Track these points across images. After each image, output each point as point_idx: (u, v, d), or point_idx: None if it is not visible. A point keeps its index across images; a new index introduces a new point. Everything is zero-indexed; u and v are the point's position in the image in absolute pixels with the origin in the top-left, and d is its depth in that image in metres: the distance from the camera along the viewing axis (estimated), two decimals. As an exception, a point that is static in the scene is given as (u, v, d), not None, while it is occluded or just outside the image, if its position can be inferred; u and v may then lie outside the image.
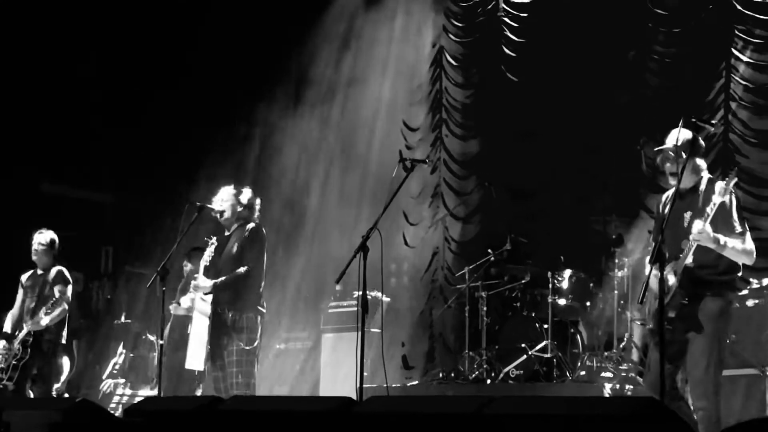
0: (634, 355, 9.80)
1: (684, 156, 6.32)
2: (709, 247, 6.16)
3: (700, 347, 6.22)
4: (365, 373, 9.65)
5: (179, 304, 9.59)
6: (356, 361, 6.65)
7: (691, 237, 6.14)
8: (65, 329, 9.69)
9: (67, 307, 9.54)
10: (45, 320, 9.35)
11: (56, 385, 10.67)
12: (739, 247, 6.21)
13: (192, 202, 8.05)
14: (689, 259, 6.19)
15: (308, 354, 12.09)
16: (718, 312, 6.28)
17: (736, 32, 10.47)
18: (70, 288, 9.63)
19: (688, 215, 6.31)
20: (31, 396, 9.38)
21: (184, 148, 13.32)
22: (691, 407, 6.33)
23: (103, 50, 13.59)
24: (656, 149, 6.63)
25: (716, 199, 6.11)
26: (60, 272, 9.63)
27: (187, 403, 5.60)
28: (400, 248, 13.04)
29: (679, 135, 6.42)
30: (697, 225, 6.10)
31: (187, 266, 10.19)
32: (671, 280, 6.25)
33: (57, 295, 9.43)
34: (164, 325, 9.46)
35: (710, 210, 6.11)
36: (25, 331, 9.35)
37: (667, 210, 6.31)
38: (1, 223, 12.58)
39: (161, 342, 7.82)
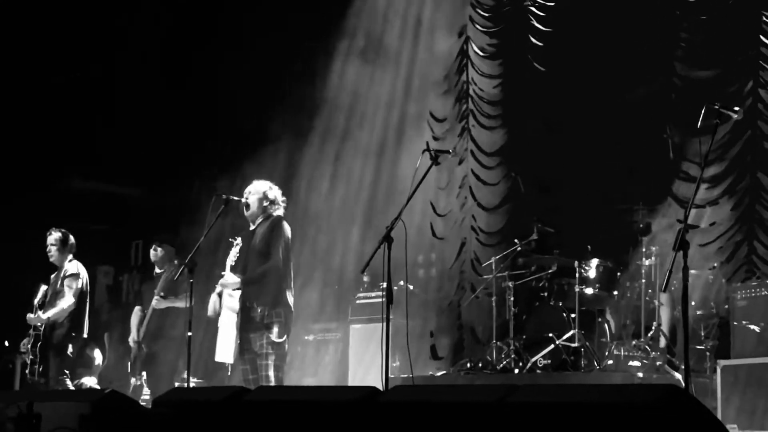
0: (663, 344, 9.77)
1: None
2: None
3: None
4: (394, 364, 9.71)
5: (163, 297, 9.59)
6: (382, 351, 6.68)
7: None
8: (84, 322, 9.77)
9: (73, 300, 9.61)
10: (47, 314, 9.47)
11: (85, 378, 10.80)
12: None
13: (218, 194, 8.10)
14: None
15: (336, 345, 12.14)
16: None
17: (764, 18, 10.39)
18: (79, 282, 9.71)
19: None
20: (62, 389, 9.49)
21: (216, 141, 13.35)
22: None
23: (134, 43, 13.64)
24: None
25: None
26: (71, 266, 9.74)
27: (215, 394, 5.64)
28: (428, 239, 13.04)
29: None
30: None
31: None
32: None
33: (65, 288, 9.54)
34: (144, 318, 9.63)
35: None
36: (32, 324, 9.49)
37: None
38: (33, 220, 12.67)
39: (189, 334, 7.87)
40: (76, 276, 9.70)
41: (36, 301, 9.61)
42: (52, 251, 9.77)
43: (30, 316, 9.47)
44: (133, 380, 9.99)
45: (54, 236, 9.80)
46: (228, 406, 5.12)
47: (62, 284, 9.67)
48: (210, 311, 8.02)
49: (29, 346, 9.51)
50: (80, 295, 9.75)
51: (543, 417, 3.96)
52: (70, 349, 9.74)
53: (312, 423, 4.74)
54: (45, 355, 9.53)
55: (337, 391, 5.52)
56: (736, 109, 6.19)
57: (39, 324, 9.50)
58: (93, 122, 13.54)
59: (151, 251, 10.01)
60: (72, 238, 9.86)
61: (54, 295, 9.66)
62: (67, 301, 9.56)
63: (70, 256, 9.82)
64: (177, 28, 13.53)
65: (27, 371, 9.53)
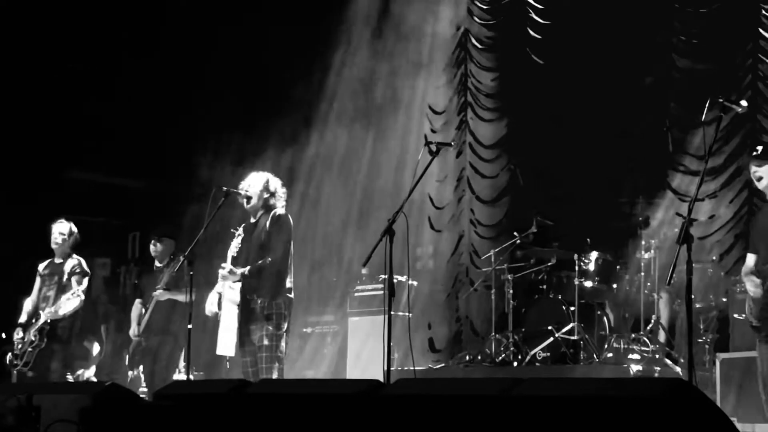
0: (662, 337, 9.78)
1: None
2: None
3: None
4: (393, 356, 9.70)
5: (167, 289, 9.55)
6: (383, 344, 6.67)
7: None
8: (81, 318, 9.76)
9: (83, 298, 9.61)
10: (62, 310, 9.44)
11: (83, 370, 10.77)
12: None
13: (219, 186, 8.07)
14: None
15: (334, 337, 12.14)
16: None
17: (763, 11, 10.38)
18: (86, 280, 9.70)
19: None
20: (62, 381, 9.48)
21: (214, 133, 13.32)
22: None
23: (131, 35, 13.59)
24: None
25: None
26: (78, 263, 9.71)
27: (216, 387, 5.62)
28: (426, 232, 13.03)
29: None
30: None
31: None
32: None
33: (75, 286, 9.51)
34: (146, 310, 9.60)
35: None
36: (42, 319, 9.44)
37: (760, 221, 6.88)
38: (30, 210, 12.65)
39: (189, 327, 7.85)
40: (85, 274, 9.69)
41: (34, 297, 9.62)
42: (59, 240, 9.73)
43: (49, 310, 9.43)
44: (130, 373, 9.96)
45: (65, 227, 9.77)
46: (230, 398, 5.10)
47: (69, 279, 9.63)
48: (207, 310, 7.99)
49: (32, 337, 9.47)
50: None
51: (547, 410, 3.95)
52: (73, 342, 9.77)
53: (315, 416, 4.72)
54: (50, 349, 9.51)
55: (339, 384, 5.52)
56: (742, 102, 6.19)
57: (49, 318, 9.48)
58: (92, 113, 13.47)
59: (151, 246, 9.97)
60: (77, 232, 9.85)
61: (61, 289, 9.61)
62: (78, 299, 9.52)
63: (74, 252, 9.80)
64: (180, 19, 13.47)
65: (21, 363, 9.48)
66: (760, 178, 6.81)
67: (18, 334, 9.56)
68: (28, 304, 9.79)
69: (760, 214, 7.18)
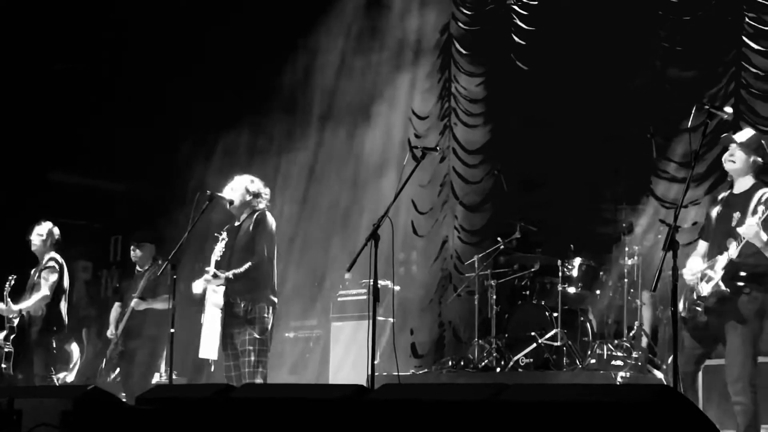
0: (644, 343, 9.79)
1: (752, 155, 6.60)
2: (755, 245, 6.27)
3: (737, 342, 6.39)
4: (375, 362, 9.68)
5: (141, 299, 9.46)
6: (366, 349, 6.66)
7: (740, 231, 6.26)
8: (64, 318, 9.68)
9: (48, 293, 9.49)
10: (19, 305, 9.37)
11: (65, 374, 10.70)
12: None
13: (202, 190, 8.06)
14: (735, 254, 6.29)
15: (317, 342, 12.11)
16: (757, 309, 6.42)
17: (747, 20, 10.42)
18: (55, 275, 9.59)
19: (736, 215, 6.38)
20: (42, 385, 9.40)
21: (196, 137, 13.28)
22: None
23: (115, 38, 13.54)
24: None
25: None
26: (50, 259, 9.62)
27: (199, 391, 5.59)
28: (409, 237, 13.02)
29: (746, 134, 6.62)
30: (749, 221, 6.23)
31: None
32: (717, 274, 6.41)
33: (41, 281, 9.45)
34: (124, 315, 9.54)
35: (762, 209, 6.19)
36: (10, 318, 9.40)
37: (717, 209, 6.67)
38: (11, 212, 12.58)
39: (172, 330, 7.81)
40: (53, 269, 9.58)
41: (5, 291, 9.49)
42: (37, 242, 9.67)
43: (1, 306, 9.36)
44: (108, 377, 9.91)
45: (42, 228, 9.71)
46: (214, 403, 5.07)
47: (39, 277, 9.57)
48: (194, 290, 7.93)
49: (2, 338, 9.41)
50: (58, 290, 9.62)
51: (533, 416, 3.94)
52: (53, 344, 9.68)
53: (299, 421, 4.70)
54: (22, 351, 9.43)
55: (324, 389, 5.49)
56: (727, 109, 6.22)
57: (12, 316, 9.40)
58: (73, 115, 13.42)
59: (131, 251, 9.90)
60: (58, 233, 9.78)
61: (30, 288, 9.57)
62: (40, 294, 9.44)
63: (52, 251, 9.73)
64: (163, 19, 13.42)
65: (2, 364, 9.42)
66: (733, 162, 6.76)
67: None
68: None
69: (724, 199, 6.90)
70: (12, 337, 9.40)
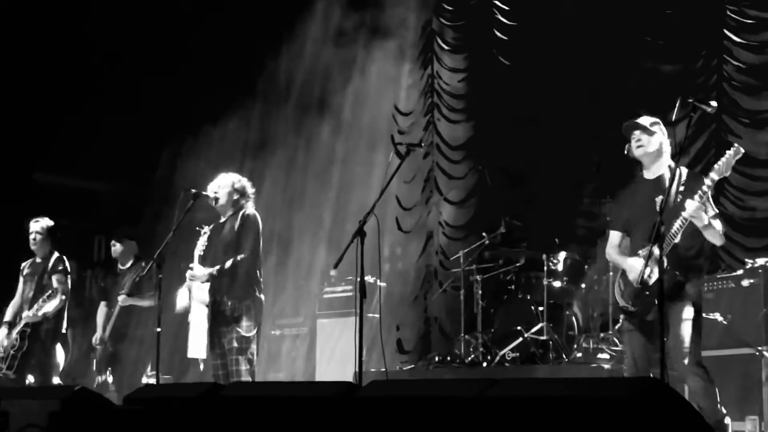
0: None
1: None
2: (696, 229, 6.22)
3: (687, 324, 6.28)
4: (362, 358, 9.68)
5: (129, 294, 9.45)
6: (354, 345, 6.65)
7: (684, 214, 6.16)
8: (65, 319, 9.65)
9: (65, 297, 9.47)
10: (42, 311, 9.29)
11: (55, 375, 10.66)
12: (718, 228, 6.30)
13: (187, 189, 8.02)
14: (677, 239, 6.22)
15: (303, 339, 12.10)
16: (699, 292, 6.41)
17: (729, 13, 10.46)
18: (69, 279, 9.58)
19: (659, 200, 6.29)
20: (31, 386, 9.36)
21: (181, 136, 13.24)
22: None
23: (100, 36, 13.47)
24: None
25: (714, 176, 6.17)
26: (59, 261, 9.55)
27: (188, 390, 5.59)
28: (394, 233, 13.02)
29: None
30: (691, 204, 6.14)
31: None
32: (663, 260, 6.25)
33: (55, 284, 9.36)
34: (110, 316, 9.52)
35: (704, 189, 6.15)
36: (23, 321, 9.32)
37: (632, 197, 6.66)
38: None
39: (158, 330, 7.79)
40: (66, 272, 9.54)
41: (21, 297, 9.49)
42: (38, 239, 9.59)
43: (27, 313, 9.30)
44: (98, 378, 9.87)
45: (41, 224, 9.63)
46: (203, 402, 5.07)
47: (49, 278, 9.50)
48: (178, 306, 7.93)
49: (14, 341, 9.34)
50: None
51: (523, 411, 3.95)
52: (57, 345, 9.65)
53: (288, 419, 4.71)
54: (31, 351, 9.38)
55: (313, 387, 5.50)
56: (712, 102, 6.21)
57: (35, 321, 9.36)
58: (57, 115, 13.36)
59: (112, 247, 9.88)
60: (56, 230, 9.74)
61: (41, 289, 9.48)
62: (58, 298, 9.39)
63: (52, 248, 9.68)
64: (149, 18, 13.38)
65: (5, 366, 9.35)
66: (642, 146, 6.71)
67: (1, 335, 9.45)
68: (11, 306, 9.64)
69: (637, 187, 6.88)
70: (25, 340, 9.34)
